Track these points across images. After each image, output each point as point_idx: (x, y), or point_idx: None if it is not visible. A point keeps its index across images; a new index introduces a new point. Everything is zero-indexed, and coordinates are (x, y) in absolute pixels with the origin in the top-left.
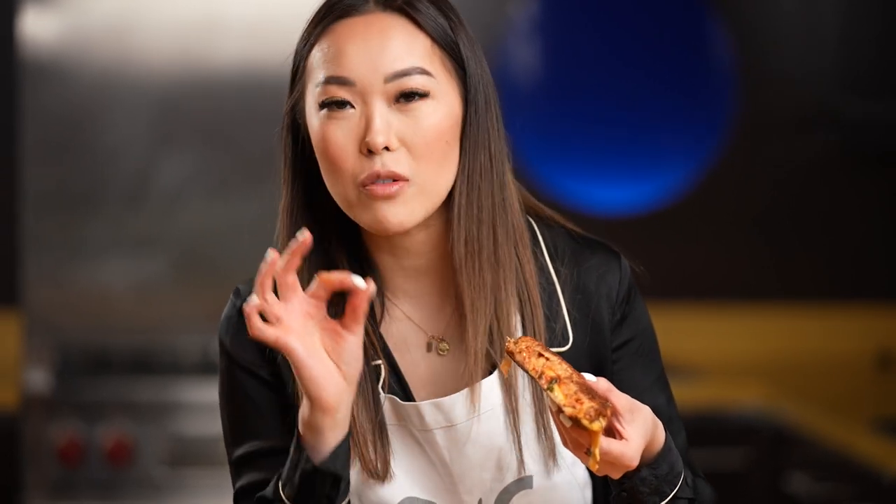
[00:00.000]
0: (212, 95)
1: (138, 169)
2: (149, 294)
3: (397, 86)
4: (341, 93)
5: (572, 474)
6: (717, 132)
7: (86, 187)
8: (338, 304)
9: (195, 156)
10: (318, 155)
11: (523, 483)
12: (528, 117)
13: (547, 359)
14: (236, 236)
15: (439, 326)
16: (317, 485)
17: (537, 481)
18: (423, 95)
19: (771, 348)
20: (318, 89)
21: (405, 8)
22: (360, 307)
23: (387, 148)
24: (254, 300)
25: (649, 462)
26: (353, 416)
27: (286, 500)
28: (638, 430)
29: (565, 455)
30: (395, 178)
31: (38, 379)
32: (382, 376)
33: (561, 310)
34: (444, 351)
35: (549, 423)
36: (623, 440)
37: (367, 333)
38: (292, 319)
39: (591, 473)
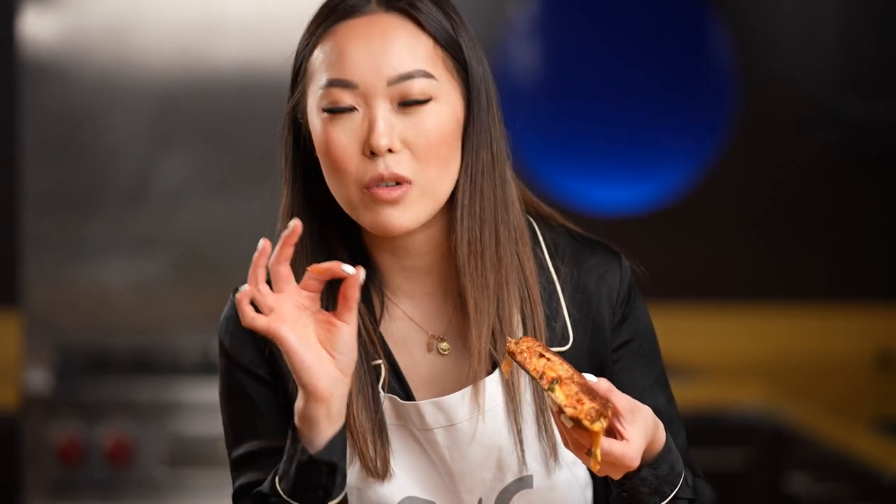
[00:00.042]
0: (212, 95)
1: (138, 169)
2: (149, 294)
3: (400, 89)
4: (344, 96)
5: (573, 474)
6: (717, 132)
7: (86, 187)
8: (333, 299)
9: (195, 156)
10: (320, 156)
11: (523, 482)
12: (528, 117)
13: (548, 359)
14: (236, 236)
15: (440, 326)
16: (312, 475)
17: (537, 481)
18: (425, 102)
19: (771, 348)
20: (320, 92)
21: (408, 9)
22: (352, 295)
23: (390, 150)
24: (245, 288)
25: (650, 462)
26: (352, 414)
27: (283, 494)
28: (639, 431)
29: (566, 454)
30: (398, 181)
31: (38, 379)
32: (383, 376)
33: (561, 308)
34: (444, 350)
35: (549, 421)
36: (624, 441)
37: (367, 333)
38: (285, 310)
39: (592, 474)
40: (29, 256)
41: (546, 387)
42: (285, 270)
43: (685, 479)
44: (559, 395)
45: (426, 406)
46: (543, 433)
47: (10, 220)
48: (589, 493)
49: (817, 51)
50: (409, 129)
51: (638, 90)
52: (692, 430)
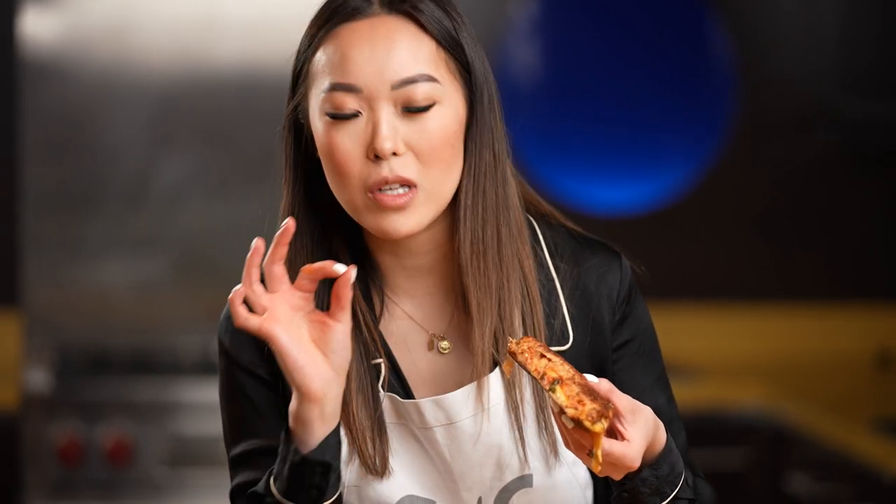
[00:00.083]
0: (212, 95)
1: (138, 169)
2: (149, 294)
3: (404, 93)
4: (347, 100)
5: (573, 474)
6: (717, 132)
7: (86, 187)
8: (328, 299)
9: (195, 156)
10: (323, 160)
11: (523, 481)
12: (528, 117)
13: (549, 360)
14: (236, 236)
15: (440, 325)
16: (306, 475)
17: (537, 480)
18: (429, 108)
19: (771, 348)
20: (323, 95)
21: (410, 11)
22: (344, 294)
23: (394, 153)
24: (238, 288)
25: (650, 463)
26: (352, 412)
27: (277, 495)
28: (639, 432)
29: (567, 454)
30: (403, 184)
31: (38, 379)
32: (382, 374)
33: (560, 306)
34: (445, 349)
35: (549, 418)
36: (625, 441)
37: (367, 331)
38: (278, 310)
39: (593, 474)
40: (29, 256)
41: (547, 387)
42: (279, 270)
43: (685, 480)
44: (560, 395)
45: (426, 404)
46: (543, 431)
47: (10, 220)
48: (589, 493)
49: (817, 51)
50: (412, 132)
51: (638, 90)
52: (692, 430)
